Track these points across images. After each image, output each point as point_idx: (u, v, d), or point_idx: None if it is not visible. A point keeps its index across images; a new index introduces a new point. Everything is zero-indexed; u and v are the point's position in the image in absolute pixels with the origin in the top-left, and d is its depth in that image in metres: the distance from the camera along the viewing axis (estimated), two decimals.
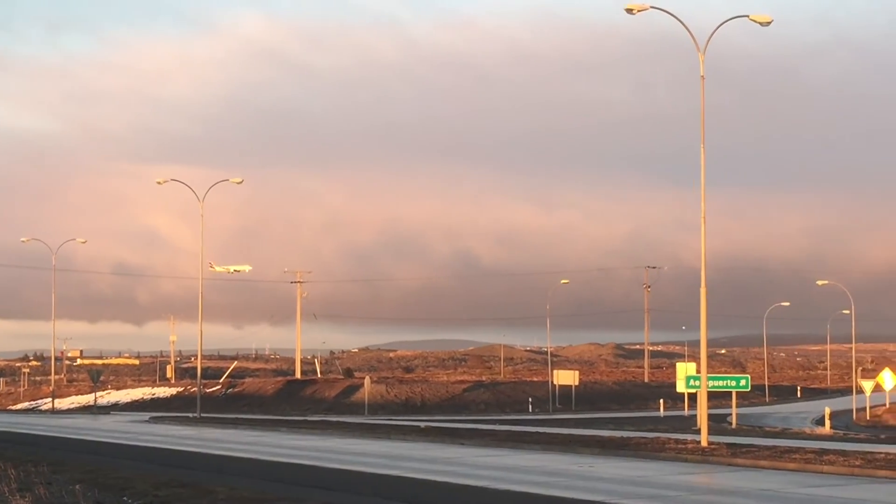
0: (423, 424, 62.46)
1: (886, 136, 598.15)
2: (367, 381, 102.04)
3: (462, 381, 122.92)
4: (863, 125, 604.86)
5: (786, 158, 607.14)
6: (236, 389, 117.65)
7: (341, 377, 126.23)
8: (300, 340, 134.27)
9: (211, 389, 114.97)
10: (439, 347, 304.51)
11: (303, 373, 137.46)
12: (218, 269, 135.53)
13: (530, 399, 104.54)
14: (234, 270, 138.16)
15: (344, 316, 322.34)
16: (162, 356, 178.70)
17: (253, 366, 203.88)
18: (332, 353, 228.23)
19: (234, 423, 66.70)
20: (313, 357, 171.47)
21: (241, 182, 75.61)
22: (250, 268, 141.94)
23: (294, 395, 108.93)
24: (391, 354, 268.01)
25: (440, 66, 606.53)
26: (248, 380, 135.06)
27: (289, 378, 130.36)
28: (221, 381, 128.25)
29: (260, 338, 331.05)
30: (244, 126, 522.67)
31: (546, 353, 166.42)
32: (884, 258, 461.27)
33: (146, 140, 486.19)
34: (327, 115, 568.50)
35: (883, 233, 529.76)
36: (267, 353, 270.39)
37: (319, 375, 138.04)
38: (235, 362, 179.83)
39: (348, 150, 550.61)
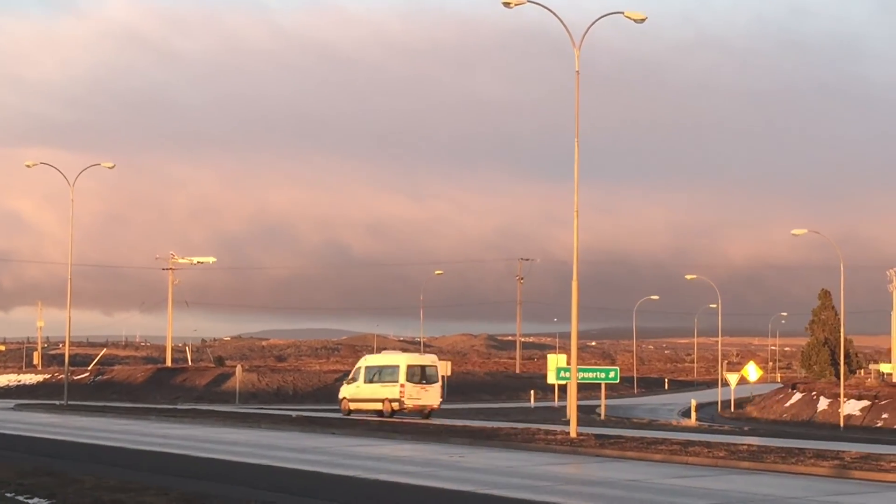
0: (294, 413, 62.11)
1: (749, 134, 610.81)
2: (238, 369, 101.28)
3: (335, 371, 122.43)
4: (726, 123, 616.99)
5: (653, 154, 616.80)
6: (105, 377, 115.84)
7: (212, 365, 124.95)
8: (171, 328, 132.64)
9: (79, 377, 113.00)
10: (312, 336, 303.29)
11: (173, 361, 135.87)
12: (181, 260, 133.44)
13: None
14: (198, 262, 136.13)
15: (215, 304, 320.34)
16: (29, 342, 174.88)
17: (123, 353, 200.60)
18: (203, 341, 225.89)
19: (103, 411, 65.68)
20: (184, 345, 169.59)
21: (112, 167, 74.38)
22: (214, 259, 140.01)
23: (164, 384, 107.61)
24: (263, 343, 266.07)
25: (309, 54, 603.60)
26: (117, 367, 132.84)
27: (159, 366, 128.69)
28: (90, 368, 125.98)
29: (130, 325, 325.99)
30: (111, 110, 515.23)
31: (419, 343, 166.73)
32: (747, 254, 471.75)
33: (9, 122, 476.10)
34: (196, 101, 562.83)
35: (746, 230, 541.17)
36: (137, 340, 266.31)
37: (190, 363, 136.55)
38: (105, 349, 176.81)
39: (218, 137, 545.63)
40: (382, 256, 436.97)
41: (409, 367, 62.21)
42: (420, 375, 62.20)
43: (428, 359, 66.91)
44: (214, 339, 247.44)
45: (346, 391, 65.31)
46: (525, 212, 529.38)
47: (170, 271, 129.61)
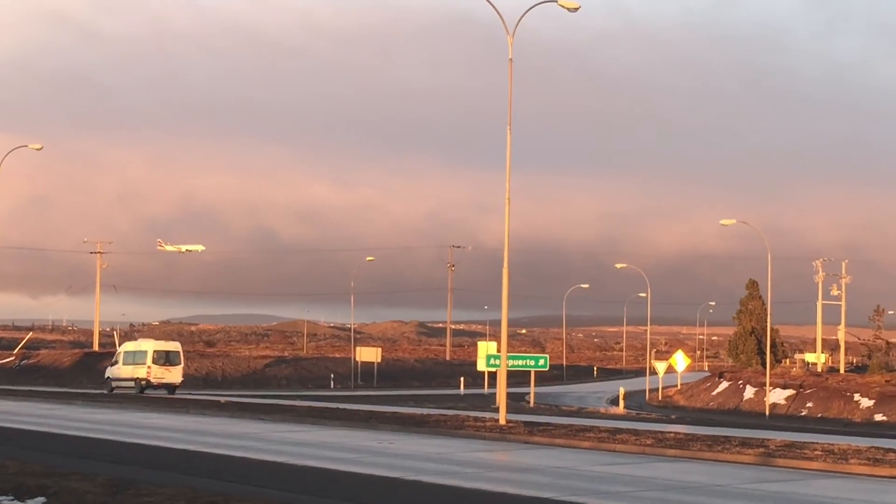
0: (223, 399, 61.88)
1: (676, 125, 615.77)
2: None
3: (264, 357, 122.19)
4: (654, 113, 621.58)
5: (583, 144, 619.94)
6: (31, 361, 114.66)
7: None
8: (99, 312, 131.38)
9: (4, 361, 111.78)
10: (242, 322, 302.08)
11: (101, 345, 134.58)
12: (168, 248, 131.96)
13: (332, 375, 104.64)
14: (186, 250, 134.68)
15: (144, 288, 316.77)
16: None
17: (49, 337, 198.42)
18: (131, 325, 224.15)
19: (28, 396, 64.93)
20: (112, 329, 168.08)
21: (41, 148, 73.40)
22: (203, 248, 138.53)
23: (92, 368, 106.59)
24: (193, 328, 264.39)
25: (235, 38, 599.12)
26: (43, 351, 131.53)
27: (86, 350, 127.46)
28: (15, 352, 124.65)
29: (57, 309, 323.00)
30: (35, 90, 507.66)
31: (350, 329, 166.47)
32: (674, 244, 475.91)
33: None
34: (122, 84, 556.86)
35: (675, 219, 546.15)
36: (64, 324, 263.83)
37: (118, 348, 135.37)
38: (31, 333, 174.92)
39: (144, 121, 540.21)
40: (311, 242, 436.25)
41: (155, 352, 76.00)
42: (165, 359, 75.90)
43: (172, 345, 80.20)
44: (143, 324, 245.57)
45: (109, 372, 79.08)
46: (454, 199, 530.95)
47: (98, 255, 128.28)
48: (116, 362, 78.40)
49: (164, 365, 75.21)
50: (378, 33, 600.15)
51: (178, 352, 78.28)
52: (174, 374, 76.00)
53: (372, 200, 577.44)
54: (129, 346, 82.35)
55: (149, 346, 77.97)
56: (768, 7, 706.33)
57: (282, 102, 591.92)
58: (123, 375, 76.55)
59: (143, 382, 74.24)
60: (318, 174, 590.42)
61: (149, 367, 74.54)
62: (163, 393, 72.09)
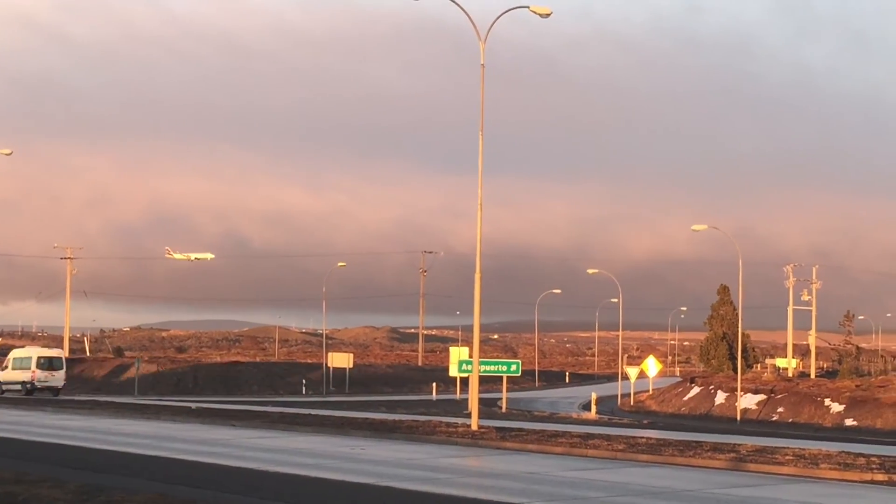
0: (194, 405, 61.67)
1: (646, 130, 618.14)
2: (137, 361, 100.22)
3: (235, 362, 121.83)
4: (624, 118, 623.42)
5: (554, 149, 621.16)
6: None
7: (111, 356, 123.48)
8: (69, 318, 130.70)
9: None
10: (213, 328, 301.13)
11: (71, 351, 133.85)
12: (177, 256, 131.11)
13: (304, 381, 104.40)
14: (196, 258, 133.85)
15: (114, 294, 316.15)
16: None
17: (19, 343, 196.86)
18: (102, 331, 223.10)
19: None
20: (83, 335, 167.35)
21: (10, 153, 72.91)
22: (213, 256, 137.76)
23: None
24: (164, 334, 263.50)
25: (204, 42, 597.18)
26: None
27: None
28: None
29: (26, 315, 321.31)
30: (2, 95, 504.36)
31: (321, 335, 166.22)
32: (645, 249, 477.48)
33: None
34: (91, 88, 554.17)
35: (644, 225, 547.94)
36: (34, 330, 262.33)
37: (89, 354, 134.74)
38: (0, 339, 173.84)
39: (113, 125, 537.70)
40: (282, 248, 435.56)
41: (39, 357, 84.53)
42: (48, 364, 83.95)
43: (55, 352, 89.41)
44: (113, 330, 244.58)
45: (0, 375, 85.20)
46: (425, 205, 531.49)
47: (68, 260, 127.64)
48: (6, 367, 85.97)
49: (47, 370, 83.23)
50: (349, 38, 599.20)
51: (61, 358, 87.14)
52: (57, 378, 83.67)
53: (343, 206, 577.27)
54: (17, 352, 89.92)
55: (34, 352, 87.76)
56: (737, 13, 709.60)
57: (252, 107, 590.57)
58: (12, 379, 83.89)
59: (29, 385, 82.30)
60: (289, 179, 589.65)
61: (33, 371, 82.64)
62: (48, 395, 79.14)
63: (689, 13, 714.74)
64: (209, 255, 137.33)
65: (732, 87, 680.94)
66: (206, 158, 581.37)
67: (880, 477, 26.33)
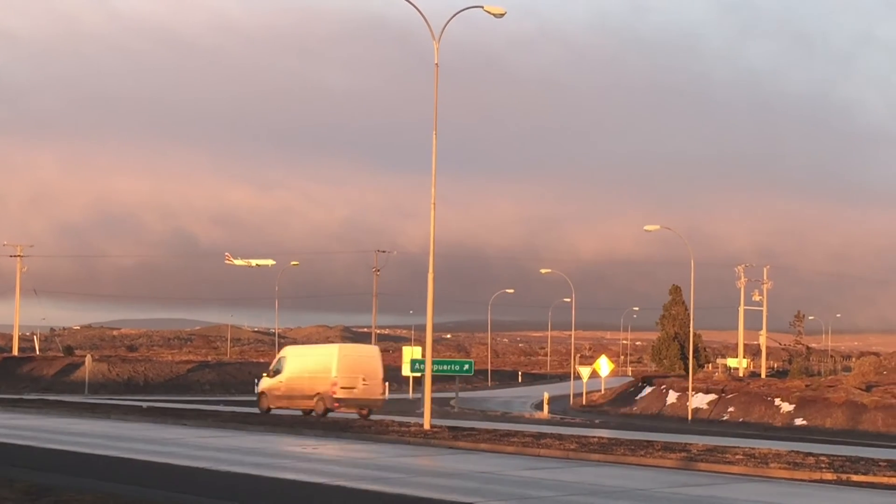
0: (145, 404, 61.36)
1: (593, 129, 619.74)
2: (88, 359, 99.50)
3: (187, 361, 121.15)
4: (570, 117, 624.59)
5: (499, 148, 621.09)
6: None
7: (61, 355, 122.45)
8: (19, 316, 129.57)
9: None
10: (165, 326, 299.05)
11: (20, 350, 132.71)
12: (238, 262, 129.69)
13: (256, 380, 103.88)
14: (257, 265, 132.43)
15: (63, 292, 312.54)
16: None
17: None
18: (52, 329, 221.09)
19: None
20: (32, 334, 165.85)
21: None
22: (274, 262, 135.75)
23: (10, 373, 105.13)
24: (115, 332, 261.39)
25: (147, 38, 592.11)
26: None
27: (5, 355, 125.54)
28: None
29: None
30: None
31: (274, 334, 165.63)
32: (596, 249, 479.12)
33: None
34: (32, 84, 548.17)
35: (594, 224, 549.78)
36: None
37: (38, 353, 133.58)
38: None
39: (57, 122, 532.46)
40: (230, 246, 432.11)
41: None
42: None
43: None
44: (63, 328, 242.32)
45: None
46: (373, 204, 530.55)
47: (18, 258, 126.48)
48: None
49: None
50: (293, 35, 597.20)
51: None
52: None
53: (291, 205, 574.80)
54: None
55: None
56: (680, 13, 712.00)
57: (197, 104, 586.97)
58: None
59: None
60: (235, 178, 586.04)
61: None
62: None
63: (632, 12, 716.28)
64: (270, 262, 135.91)
65: (678, 87, 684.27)
66: (151, 155, 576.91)
67: (829, 476, 26.56)
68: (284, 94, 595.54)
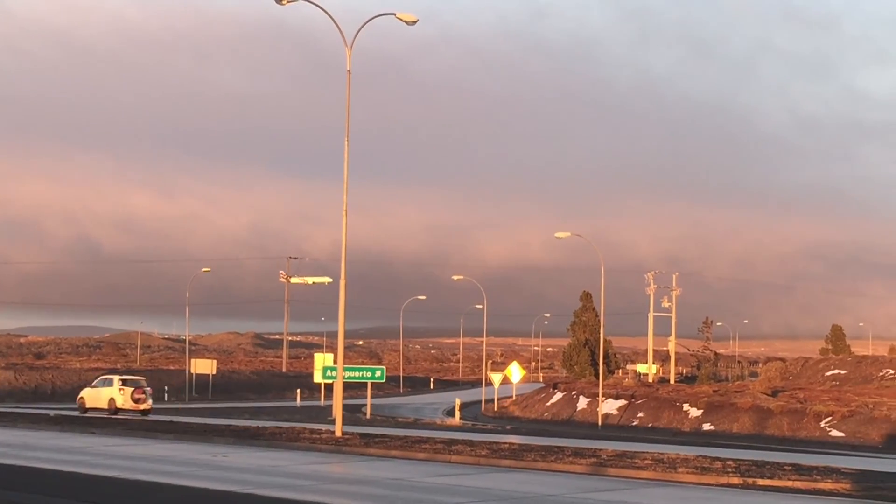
0: (52, 412, 60.57)
1: (496, 135, 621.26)
2: None
3: (96, 369, 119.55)
4: (474, 123, 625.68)
5: (404, 155, 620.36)
6: None
7: None
8: None
9: None
10: (73, 333, 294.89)
11: None
12: (294, 280, 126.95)
13: (166, 388, 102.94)
14: (314, 282, 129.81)
15: None
16: None
17: None
18: None
19: None
20: None
21: None
22: (330, 280, 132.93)
23: None
24: (21, 340, 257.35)
25: (43, 41, 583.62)
26: None
27: None
28: None
29: None
30: None
31: (184, 341, 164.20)
32: (504, 255, 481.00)
33: None
34: None
35: (501, 231, 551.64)
36: None
37: None
38: None
39: None
40: (135, 253, 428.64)
41: None
42: None
43: None
44: None
45: None
46: (278, 210, 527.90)
47: None
48: None
49: None
50: (191, 39, 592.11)
51: None
52: None
53: (195, 210, 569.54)
54: None
55: None
56: (581, 18, 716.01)
57: (98, 108, 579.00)
58: None
59: None
60: (138, 183, 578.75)
61: None
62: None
63: (533, 17, 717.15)
64: (327, 279, 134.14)
65: (580, 93, 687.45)
66: (51, 160, 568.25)
67: (735, 480, 26.94)
68: (185, 98, 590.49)
